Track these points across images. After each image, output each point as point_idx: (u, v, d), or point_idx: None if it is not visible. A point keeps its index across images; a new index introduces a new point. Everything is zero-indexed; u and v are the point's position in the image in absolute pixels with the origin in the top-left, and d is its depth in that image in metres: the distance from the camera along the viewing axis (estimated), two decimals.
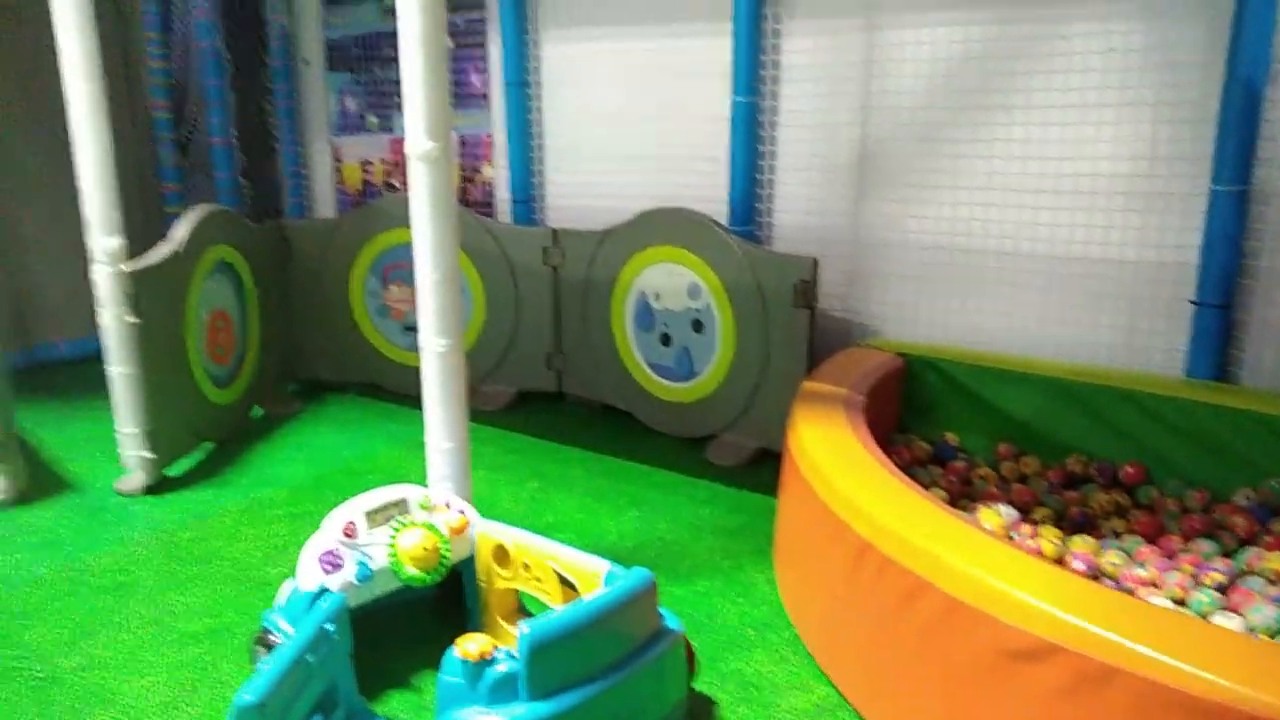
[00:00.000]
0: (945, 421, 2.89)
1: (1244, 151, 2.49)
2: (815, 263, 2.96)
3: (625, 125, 3.70)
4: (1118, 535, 2.32)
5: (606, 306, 3.51)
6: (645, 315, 3.43)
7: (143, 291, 2.86)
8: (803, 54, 3.23)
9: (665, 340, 3.40)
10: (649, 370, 3.46)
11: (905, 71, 3.04)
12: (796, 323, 3.00)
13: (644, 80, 3.61)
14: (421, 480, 2.19)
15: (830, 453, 2.07)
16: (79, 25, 2.66)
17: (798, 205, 3.36)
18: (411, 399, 4.00)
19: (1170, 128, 2.64)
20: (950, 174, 3.02)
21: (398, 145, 4.36)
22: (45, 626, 2.19)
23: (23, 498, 2.89)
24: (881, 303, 3.24)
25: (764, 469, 3.01)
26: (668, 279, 3.32)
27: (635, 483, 3.03)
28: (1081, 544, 2.22)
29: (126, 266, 2.82)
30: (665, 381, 3.42)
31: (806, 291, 2.96)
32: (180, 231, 3.16)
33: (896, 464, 2.03)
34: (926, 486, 2.48)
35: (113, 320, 2.86)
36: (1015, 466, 2.68)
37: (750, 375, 3.15)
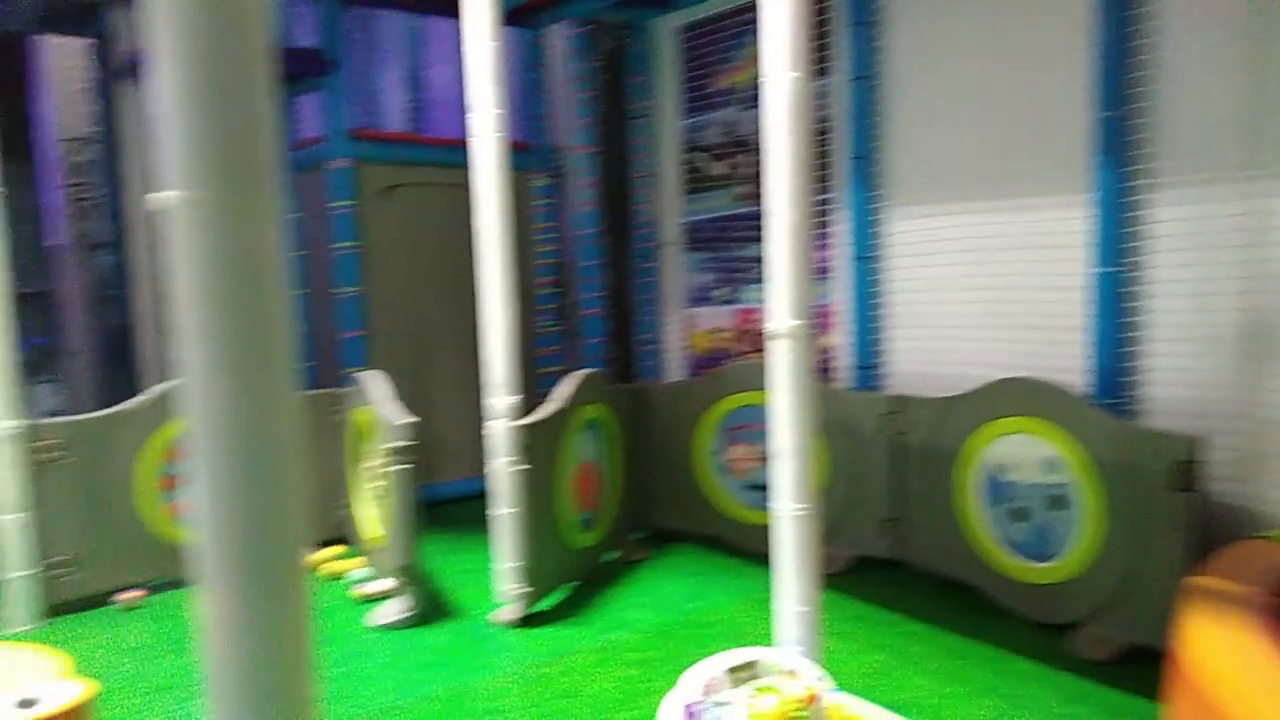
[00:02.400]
0: None
1: None
2: (1197, 441, 2.71)
3: (970, 294, 3.70)
4: None
5: (952, 475, 3.43)
6: (996, 487, 3.30)
7: (529, 443, 3.27)
8: (1173, 222, 3.08)
9: (1019, 515, 3.24)
10: (1000, 546, 3.30)
11: None
12: (1176, 507, 2.74)
13: (991, 250, 3.62)
14: (765, 639, 2.24)
15: (1234, 664, 1.84)
16: (499, 224, 3.22)
17: (1172, 378, 3.13)
18: (750, 554, 4.16)
19: None
20: None
21: (743, 315, 4.68)
22: None
23: (422, 619, 3.32)
24: None
25: (1141, 668, 2.71)
26: (1022, 451, 3.20)
27: (988, 667, 2.86)
28: None
29: (520, 422, 3.26)
30: (1019, 559, 3.23)
31: (1187, 473, 2.71)
32: (563, 392, 3.60)
33: None
34: None
35: (501, 467, 3.28)
36: None
37: (1121, 562, 2.90)
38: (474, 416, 4.81)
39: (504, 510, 3.29)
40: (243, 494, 0.71)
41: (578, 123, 5.07)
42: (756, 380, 3.83)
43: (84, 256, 6.38)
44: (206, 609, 0.74)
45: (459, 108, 5.75)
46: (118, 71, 4.59)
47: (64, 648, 2.25)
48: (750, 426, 4.00)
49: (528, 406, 3.45)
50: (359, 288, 4.53)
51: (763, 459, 3.92)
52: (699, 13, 4.74)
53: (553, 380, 5.33)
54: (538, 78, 5.14)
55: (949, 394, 3.44)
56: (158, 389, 3.65)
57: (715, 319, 4.91)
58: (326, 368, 4.70)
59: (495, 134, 3.15)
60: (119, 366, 5.39)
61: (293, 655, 0.75)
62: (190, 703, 2.72)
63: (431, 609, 3.42)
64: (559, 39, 5.21)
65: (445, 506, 4.90)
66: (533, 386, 4.44)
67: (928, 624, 3.21)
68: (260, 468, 0.72)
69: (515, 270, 3.47)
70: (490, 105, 3.12)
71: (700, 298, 4.99)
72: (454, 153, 4.40)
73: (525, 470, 3.25)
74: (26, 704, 1.86)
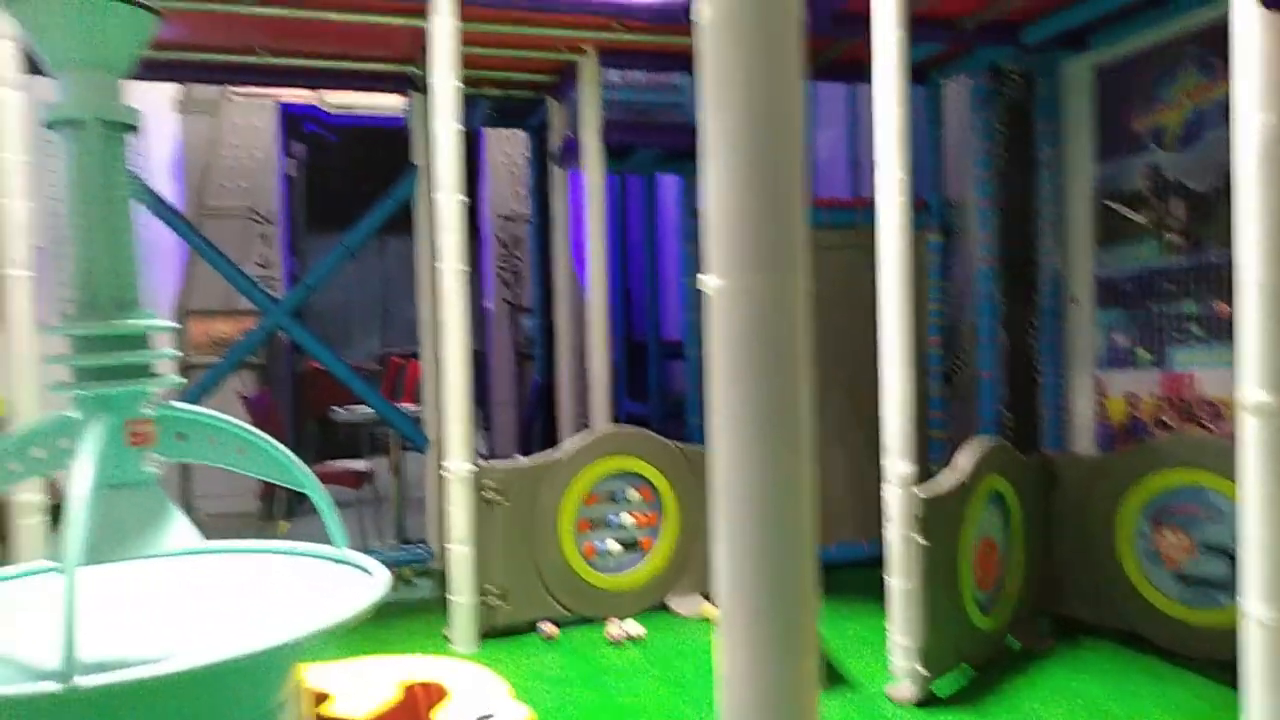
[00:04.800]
0: None
1: None
2: None
3: None
4: None
5: None
6: None
7: (930, 515, 3.13)
8: None
9: None
10: None
11: None
12: None
13: None
14: None
15: None
16: (900, 286, 3.15)
17: None
18: (1180, 657, 3.61)
19: None
20: None
21: (1171, 381, 4.14)
22: None
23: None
24: None
25: None
26: None
27: None
28: None
29: (919, 491, 3.14)
30: None
31: None
32: (964, 461, 3.42)
33: None
34: None
35: (899, 537, 3.17)
36: None
37: None
38: (860, 476, 4.74)
39: (899, 582, 3.17)
40: (765, 550, 0.74)
41: (975, 175, 4.87)
42: (1199, 458, 3.36)
43: (511, 319, 7.30)
44: (725, 657, 0.77)
45: (845, 169, 5.81)
46: (551, 157, 5.22)
47: (498, 671, 2.53)
48: (1186, 510, 3.50)
49: (920, 472, 3.32)
50: None
51: (1201, 549, 3.41)
52: (1119, 51, 4.36)
53: (942, 446, 5.11)
54: (933, 132, 5.03)
55: None
56: (578, 439, 4.04)
57: (1134, 384, 4.40)
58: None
59: (900, 196, 3.11)
60: (538, 418, 6.04)
61: (802, 704, 0.76)
62: None
63: (823, 675, 3.38)
64: (956, 90, 5.07)
65: (833, 568, 4.85)
66: (923, 451, 4.28)
67: None
68: (781, 527, 0.75)
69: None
70: (895, 168, 3.09)
71: (1115, 360, 4.51)
72: (843, 214, 4.43)
73: (924, 543, 3.12)
74: None
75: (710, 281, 0.73)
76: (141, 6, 1.66)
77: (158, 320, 1.71)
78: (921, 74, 4.80)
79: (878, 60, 3.10)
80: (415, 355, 7.48)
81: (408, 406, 5.58)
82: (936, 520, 3.17)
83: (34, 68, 3.21)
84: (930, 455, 4.96)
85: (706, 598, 4.15)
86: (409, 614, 4.17)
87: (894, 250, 3.13)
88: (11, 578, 1.85)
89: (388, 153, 7.33)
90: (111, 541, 1.63)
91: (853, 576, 4.52)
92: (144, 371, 1.68)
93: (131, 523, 1.68)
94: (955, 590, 3.30)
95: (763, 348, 0.72)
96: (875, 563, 3.30)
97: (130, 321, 1.66)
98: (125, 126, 1.68)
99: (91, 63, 1.65)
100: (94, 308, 1.65)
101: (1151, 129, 4.24)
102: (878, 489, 3.24)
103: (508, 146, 7.23)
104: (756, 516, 0.74)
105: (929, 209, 5.03)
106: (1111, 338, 4.51)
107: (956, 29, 4.19)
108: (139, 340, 1.68)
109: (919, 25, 3.33)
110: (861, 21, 3.56)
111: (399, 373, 8.48)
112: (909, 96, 3.13)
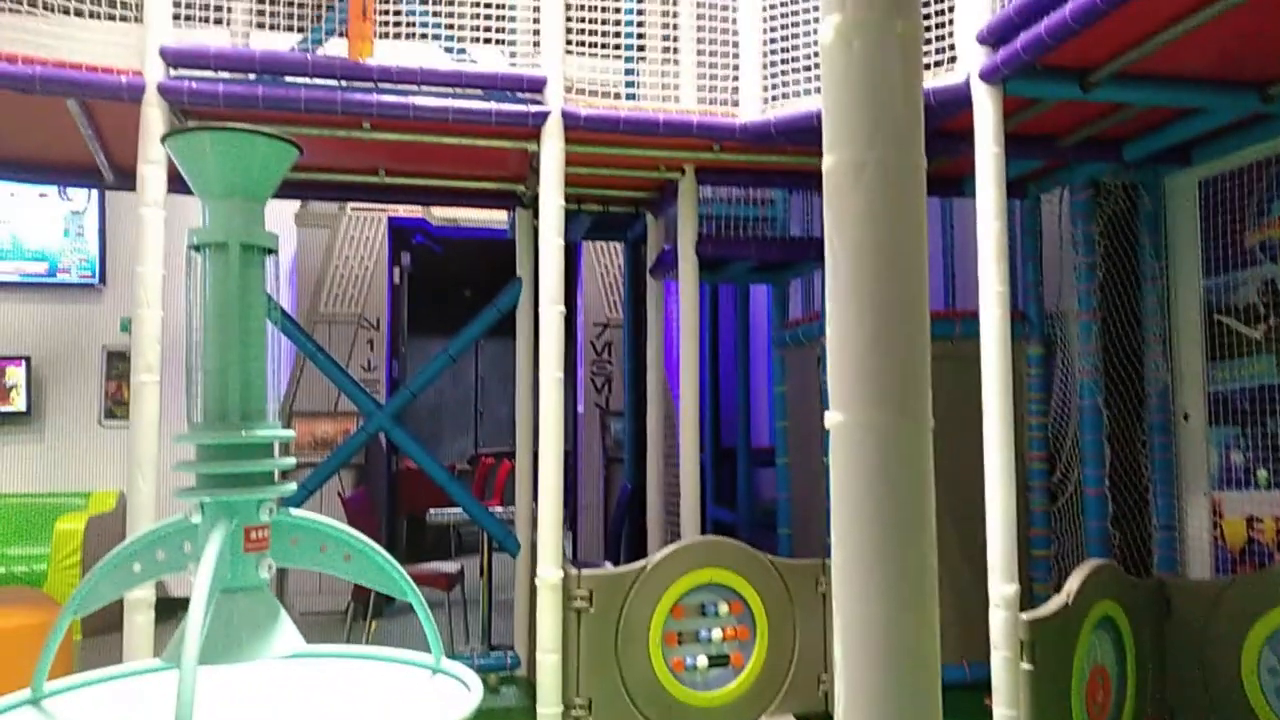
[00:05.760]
0: None
1: None
2: None
3: None
4: None
5: None
6: None
7: (1036, 640, 2.98)
8: None
9: None
10: None
11: None
12: None
13: None
14: None
15: None
16: (1001, 401, 3.10)
17: None
18: None
19: None
20: None
21: None
22: None
23: None
24: None
25: None
26: None
27: None
28: None
29: (1025, 615, 3.00)
30: None
31: None
32: (1072, 584, 3.26)
33: None
34: None
35: (1003, 663, 3.02)
36: None
37: None
38: (960, 595, 4.56)
39: (1003, 711, 3.01)
40: (895, 676, 0.73)
41: (1076, 288, 4.79)
42: None
43: (601, 422, 7.36)
44: None
45: (940, 279, 5.78)
46: (648, 268, 5.36)
47: None
48: None
49: (1022, 594, 3.18)
50: None
51: None
52: (1224, 165, 4.29)
53: (1047, 565, 4.89)
54: (1030, 244, 5.00)
55: None
56: (669, 549, 4.00)
57: (1253, 506, 4.16)
58: (811, 537, 4.81)
59: (999, 309, 3.08)
60: (626, 523, 6.02)
61: None
62: None
63: None
64: (1054, 202, 5.04)
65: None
66: (1025, 571, 4.10)
67: None
68: (902, 651, 0.74)
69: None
70: (995, 281, 3.08)
71: (1231, 480, 4.28)
72: (940, 325, 4.38)
73: (1031, 670, 2.96)
74: None
75: (832, 416, 0.74)
76: (283, 140, 1.80)
77: (281, 431, 1.80)
78: (1019, 188, 4.80)
79: (980, 176, 3.13)
80: (505, 455, 7.59)
81: (496, 509, 5.64)
82: (1044, 645, 3.02)
83: (174, 187, 3.49)
84: (1034, 575, 4.76)
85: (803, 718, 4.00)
86: None
87: (996, 363, 3.08)
88: (125, 675, 1.91)
89: (486, 261, 7.63)
90: (224, 644, 1.68)
91: (953, 699, 4.29)
92: (266, 480, 1.76)
93: (244, 626, 1.73)
94: None
95: (885, 486, 0.73)
96: (977, 686, 3.15)
97: (257, 432, 1.75)
98: (264, 250, 1.81)
99: (237, 191, 1.79)
100: (223, 418, 1.75)
101: (1263, 242, 4.13)
102: (978, 608, 3.12)
103: (604, 256, 7.44)
104: (882, 661, 0.73)
105: (1028, 320, 4.95)
106: (1227, 456, 4.30)
107: (1055, 146, 4.20)
108: (263, 450, 1.77)
109: (1017, 142, 3.36)
110: (958, 139, 3.62)
111: (489, 473, 8.60)
112: (1007, 210, 3.13)
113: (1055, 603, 3.18)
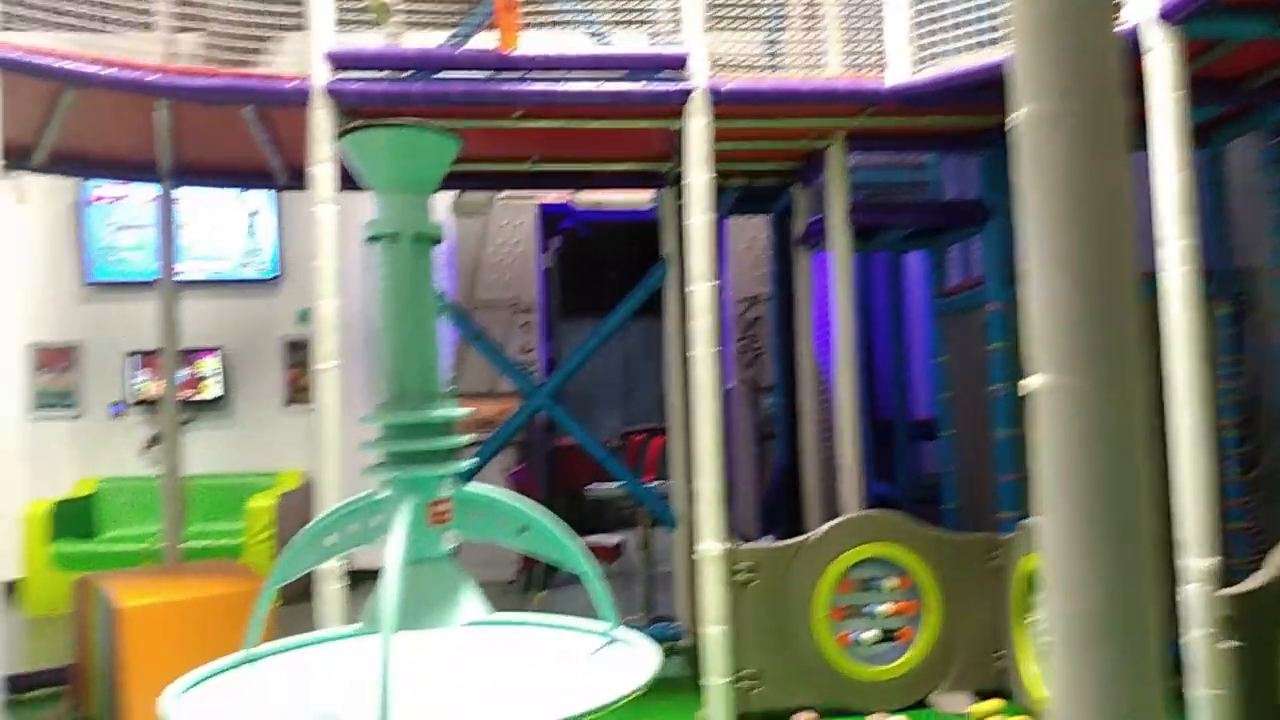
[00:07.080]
0: None
1: None
2: None
3: None
4: None
5: None
6: None
7: (1243, 615, 2.78)
8: None
9: None
10: None
11: None
12: None
13: None
14: None
15: None
16: (1189, 364, 2.88)
17: None
18: None
19: None
20: None
21: None
22: None
23: None
24: None
25: None
26: None
27: None
28: None
29: (1226, 590, 2.80)
30: None
31: None
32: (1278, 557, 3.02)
33: None
34: None
35: (1200, 641, 2.84)
36: None
37: None
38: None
39: (1201, 692, 2.83)
40: (1108, 677, 0.70)
41: (1268, 242, 4.40)
42: None
43: (752, 399, 7.33)
44: None
45: None
46: (796, 240, 5.27)
47: None
48: None
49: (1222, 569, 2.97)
50: (1016, 430, 4.42)
51: None
52: None
53: (1242, 539, 4.52)
54: (1216, 198, 4.61)
55: None
56: (832, 523, 3.96)
57: None
58: (979, 511, 4.64)
59: (1186, 265, 2.87)
60: (781, 499, 5.98)
61: None
62: None
63: None
64: (1243, 153, 4.63)
65: None
66: (1224, 545, 3.82)
67: None
68: (1121, 628, 0.70)
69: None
70: (1181, 234, 2.87)
71: None
72: None
73: (1236, 648, 2.76)
74: None
75: (1034, 380, 0.71)
76: (448, 134, 1.87)
77: (457, 410, 1.88)
78: (1199, 136, 4.44)
79: (1156, 124, 2.91)
80: (655, 431, 7.67)
81: (650, 484, 5.71)
82: (1250, 621, 2.81)
83: (345, 185, 3.69)
84: (1231, 550, 4.43)
85: (977, 695, 3.88)
86: (661, 693, 4.18)
87: (1184, 324, 2.88)
88: (326, 640, 2.06)
89: (631, 242, 7.70)
90: (413, 613, 1.78)
91: None
92: (447, 456, 1.85)
93: (431, 596, 1.82)
94: (1274, 703, 2.89)
95: (1094, 451, 0.69)
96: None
97: (436, 412, 1.83)
98: (432, 239, 1.89)
99: (406, 185, 1.87)
100: (404, 399, 1.84)
101: None
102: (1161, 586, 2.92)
103: (749, 230, 7.38)
104: (1103, 639, 0.70)
105: (1214, 279, 4.58)
106: None
107: (1241, 89, 3.85)
108: (443, 428, 1.85)
109: (1199, 86, 3.10)
110: (1132, 87, 3.37)
111: (640, 449, 8.72)
112: (1191, 160, 2.91)
113: (1255, 579, 2.95)
